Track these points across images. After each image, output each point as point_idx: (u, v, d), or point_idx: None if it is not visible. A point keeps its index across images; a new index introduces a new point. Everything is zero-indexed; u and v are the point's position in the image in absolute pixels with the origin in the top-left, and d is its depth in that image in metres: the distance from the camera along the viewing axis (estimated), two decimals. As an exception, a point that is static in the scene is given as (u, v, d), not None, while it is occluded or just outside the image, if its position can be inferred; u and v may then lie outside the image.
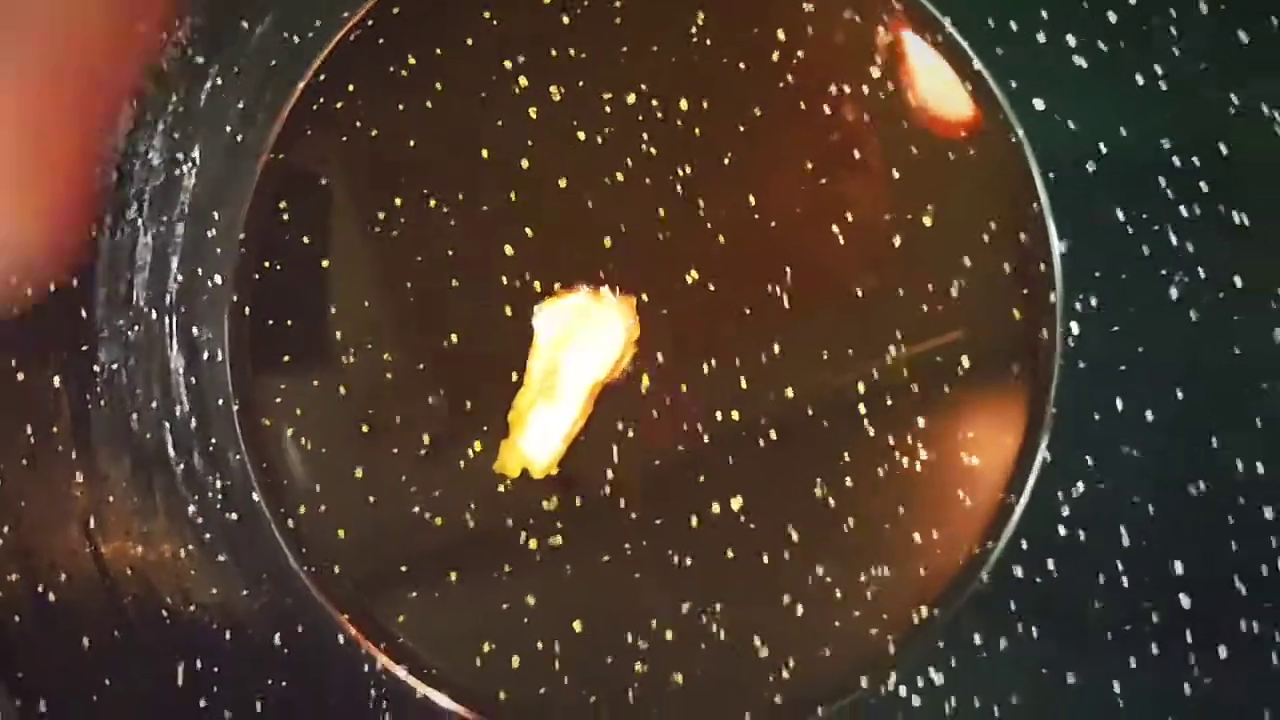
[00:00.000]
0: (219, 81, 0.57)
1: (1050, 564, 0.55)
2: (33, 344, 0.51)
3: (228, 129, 0.58)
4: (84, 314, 0.54)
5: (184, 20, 0.51)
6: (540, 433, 0.57)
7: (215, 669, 0.55)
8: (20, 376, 0.50)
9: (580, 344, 0.56)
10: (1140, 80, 0.54)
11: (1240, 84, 0.53)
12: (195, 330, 0.58)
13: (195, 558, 0.57)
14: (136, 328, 0.57)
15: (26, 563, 0.49)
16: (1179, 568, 0.53)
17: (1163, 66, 0.54)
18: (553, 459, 0.57)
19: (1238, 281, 0.53)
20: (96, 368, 0.55)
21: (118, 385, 0.56)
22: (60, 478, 0.52)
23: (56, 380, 0.52)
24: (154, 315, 0.57)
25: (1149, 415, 0.54)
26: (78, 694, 0.49)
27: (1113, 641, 0.53)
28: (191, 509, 0.57)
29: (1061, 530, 0.55)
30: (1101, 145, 0.55)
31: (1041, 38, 0.56)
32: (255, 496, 0.58)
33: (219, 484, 0.58)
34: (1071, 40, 0.55)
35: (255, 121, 0.58)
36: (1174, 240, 0.54)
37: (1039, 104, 0.56)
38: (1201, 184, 0.54)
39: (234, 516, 0.58)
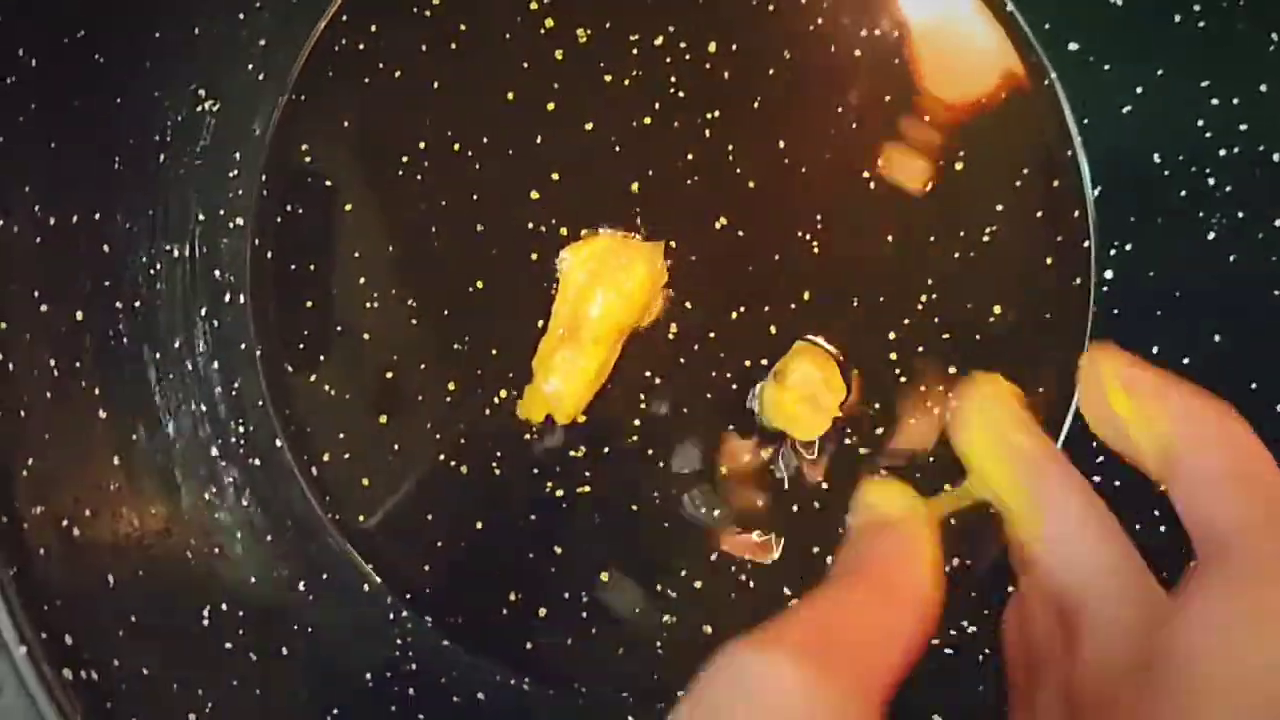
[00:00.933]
0: (241, 16, 0.56)
1: None
2: (54, 275, 0.50)
3: (249, 67, 0.57)
4: (105, 248, 0.53)
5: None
6: (565, 378, 0.56)
7: (240, 613, 0.54)
8: (44, 308, 0.49)
9: (606, 288, 0.55)
10: (1178, 18, 0.54)
11: (1281, 21, 0.51)
12: (217, 273, 0.58)
13: (219, 501, 0.56)
14: (158, 266, 0.56)
15: (51, 497, 0.48)
16: None
17: (1200, 4, 0.53)
18: (578, 405, 0.56)
19: (1278, 222, 0.52)
20: (119, 303, 0.54)
21: (139, 323, 0.55)
22: (84, 413, 0.51)
23: (79, 314, 0.51)
24: (175, 254, 0.57)
25: (1186, 361, 0.54)
26: (102, 630, 0.48)
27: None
28: (215, 451, 0.56)
29: (1096, 479, 0.50)
30: (1138, 87, 0.55)
31: None
32: (278, 442, 0.58)
33: (242, 429, 0.58)
34: None
35: (276, 61, 0.58)
36: (1211, 181, 0.54)
37: (1073, 45, 0.56)
38: (1241, 124, 0.53)
39: (256, 462, 0.58)
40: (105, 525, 0.49)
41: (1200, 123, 0.54)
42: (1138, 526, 0.49)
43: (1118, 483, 0.53)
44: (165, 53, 0.54)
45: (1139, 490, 0.48)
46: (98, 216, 0.52)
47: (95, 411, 0.50)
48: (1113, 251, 0.56)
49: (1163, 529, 0.51)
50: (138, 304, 0.54)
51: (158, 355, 0.55)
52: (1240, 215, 0.53)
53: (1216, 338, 0.54)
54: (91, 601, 0.47)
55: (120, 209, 0.53)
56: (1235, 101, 0.53)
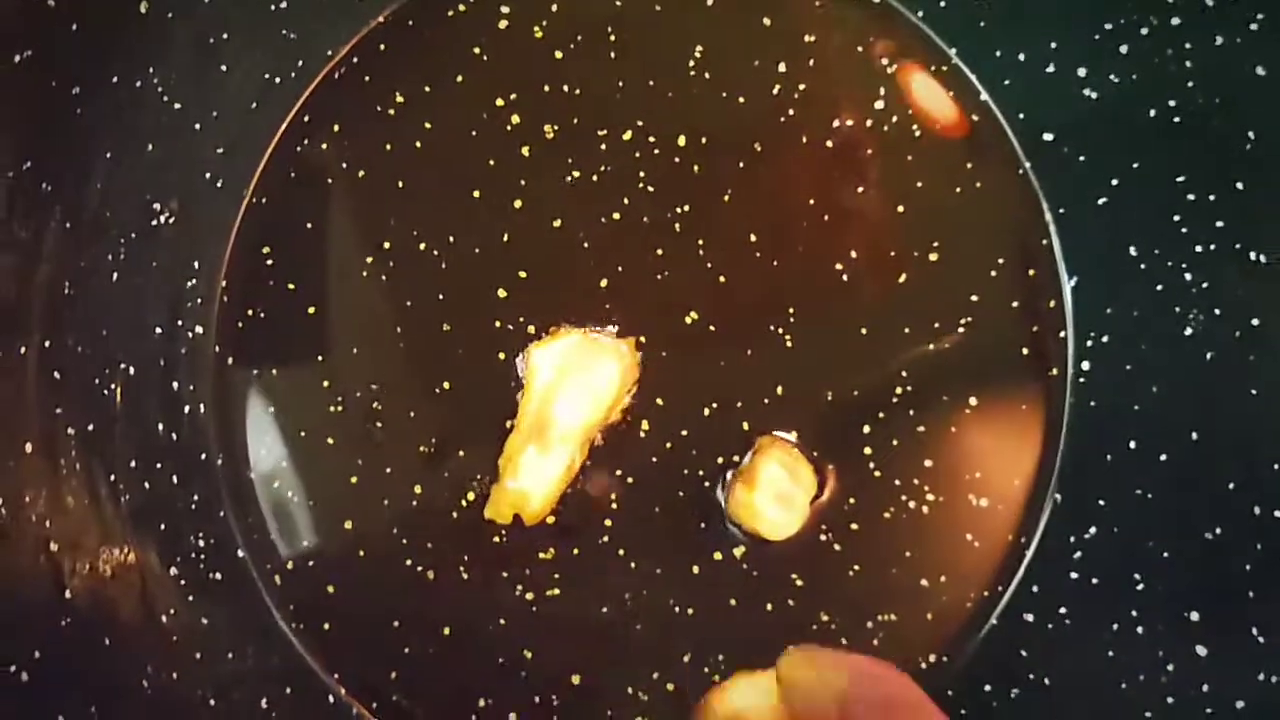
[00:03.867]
0: (196, 126, 0.55)
1: (1063, 610, 0.54)
2: (5, 412, 0.49)
3: (206, 174, 0.56)
4: (56, 375, 0.51)
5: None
6: (533, 478, 0.55)
7: (198, 736, 0.52)
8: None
9: (574, 386, 0.55)
10: (1153, 113, 0.53)
11: (1259, 120, 0.51)
12: (175, 384, 0.56)
13: (177, 622, 0.54)
14: (111, 386, 0.54)
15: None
16: (1195, 616, 0.51)
17: (1177, 99, 0.52)
18: (546, 506, 0.55)
19: (1255, 321, 0.52)
20: (70, 430, 0.52)
21: (93, 445, 0.53)
22: (29, 544, 0.49)
23: (28, 446, 0.49)
24: (130, 371, 0.55)
25: (1163, 456, 0.53)
26: None
27: (1127, 691, 0.52)
28: (174, 571, 0.54)
29: (1074, 575, 0.54)
30: (1113, 179, 0.54)
31: (1051, 69, 0.55)
32: (240, 553, 0.57)
33: (202, 542, 0.56)
34: (1082, 72, 0.54)
35: (235, 165, 0.57)
36: (1189, 277, 0.53)
37: (1048, 136, 0.56)
38: (1218, 221, 0.52)
39: (218, 576, 0.56)
40: (53, 661, 0.47)
41: (1176, 217, 0.53)
42: (1115, 626, 0.51)
43: (1095, 580, 0.53)
44: (116, 169, 0.52)
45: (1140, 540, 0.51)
46: (48, 345, 0.50)
47: (45, 546, 0.48)
48: (1089, 343, 0.56)
49: (1176, 576, 0.51)
50: (90, 427, 0.52)
51: (110, 476, 0.53)
52: (1217, 312, 0.53)
53: (1194, 435, 0.53)
54: None
55: (71, 333, 0.51)
56: (1211, 198, 0.52)
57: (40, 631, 0.47)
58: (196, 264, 0.56)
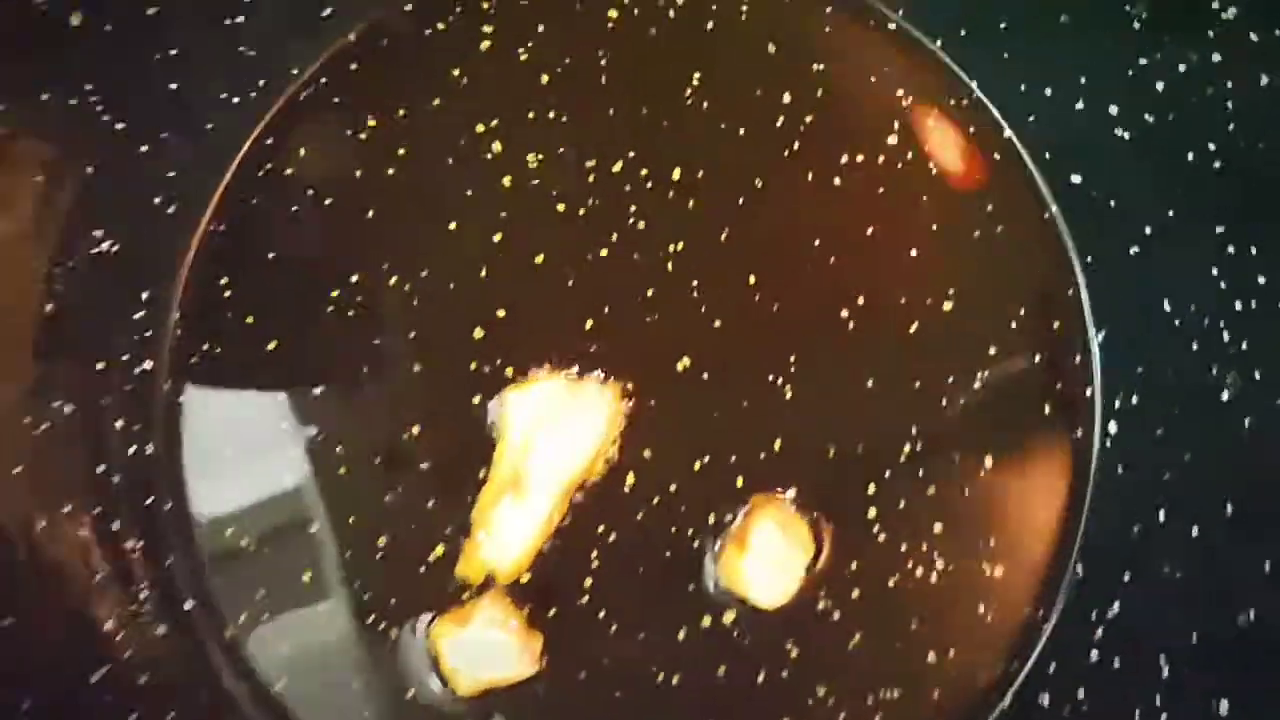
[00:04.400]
0: (143, 148, 0.53)
1: (1080, 693, 0.52)
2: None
3: (155, 199, 0.54)
4: None
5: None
6: (507, 534, 0.53)
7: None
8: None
9: (554, 435, 0.52)
10: (1191, 156, 0.50)
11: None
12: (120, 424, 0.54)
13: (113, 677, 0.51)
14: (48, 424, 0.51)
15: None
16: (1224, 707, 0.48)
17: (1216, 141, 0.50)
18: (522, 563, 0.53)
19: (1299, 386, 0.48)
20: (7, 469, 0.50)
21: (24, 490, 0.51)
22: None
23: None
24: (67, 410, 0.52)
25: (1195, 530, 0.51)
26: None
27: None
28: (110, 625, 0.52)
29: (1094, 655, 0.52)
30: (1146, 226, 0.52)
31: (1080, 105, 0.53)
32: (187, 606, 0.54)
33: (143, 594, 0.53)
34: (1114, 110, 0.52)
35: (189, 190, 0.54)
36: (1227, 336, 0.50)
37: (1076, 178, 0.54)
38: (1260, 276, 0.49)
39: (161, 631, 0.53)
40: None
41: (1214, 270, 0.51)
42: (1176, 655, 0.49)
43: (1117, 662, 0.52)
44: (50, 195, 0.50)
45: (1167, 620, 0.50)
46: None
47: None
48: (1117, 404, 0.54)
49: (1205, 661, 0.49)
50: (16, 470, 0.50)
51: (42, 523, 0.50)
52: (1257, 375, 0.50)
53: (1229, 508, 0.50)
54: None
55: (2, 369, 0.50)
56: (1253, 250, 0.50)
57: None
58: (145, 295, 0.54)
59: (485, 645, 0.52)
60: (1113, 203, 0.53)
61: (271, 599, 0.54)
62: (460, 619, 0.52)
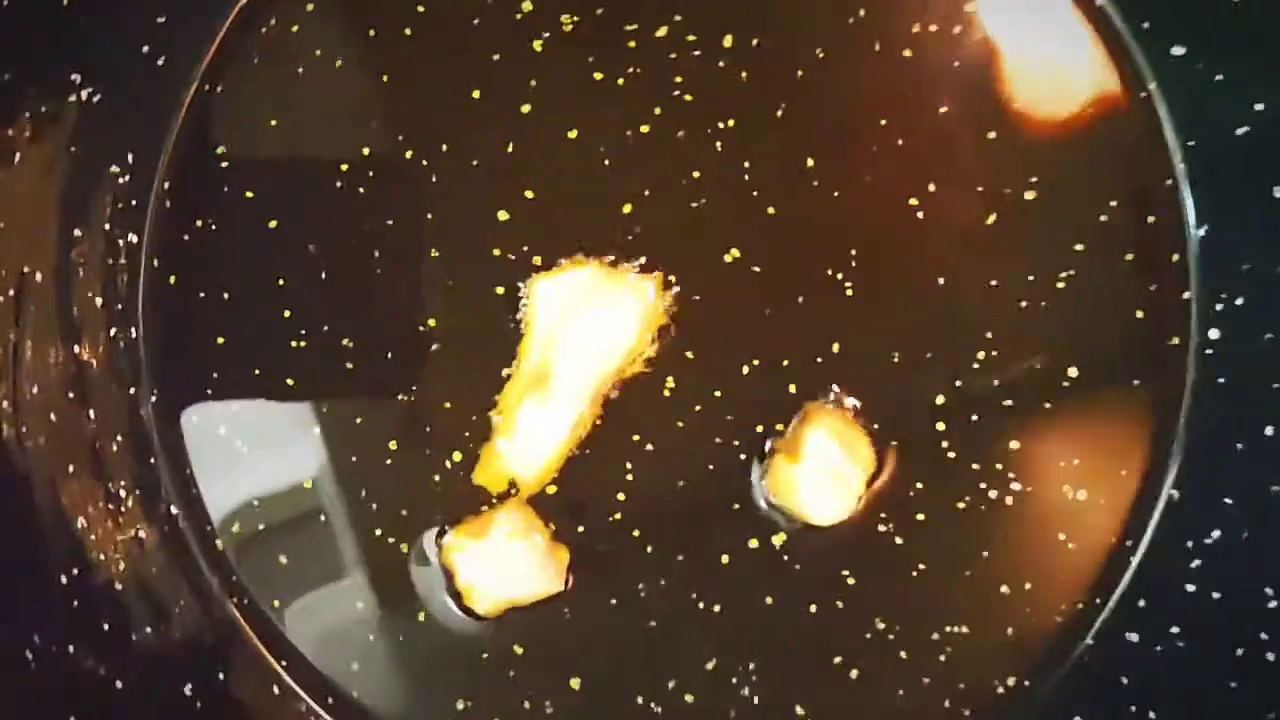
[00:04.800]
0: None
1: (1175, 629, 0.49)
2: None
3: (144, 48, 0.51)
4: None
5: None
6: (532, 438, 0.51)
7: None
8: None
9: (585, 329, 0.50)
10: None
11: None
12: (99, 301, 0.51)
13: (86, 588, 0.49)
14: (10, 292, 0.49)
15: None
16: None
17: None
18: (547, 473, 0.51)
19: None
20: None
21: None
22: None
23: None
24: (38, 278, 0.49)
25: None
26: None
27: None
28: (80, 524, 0.50)
29: (1190, 587, 0.49)
30: (1257, 103, 0.49)
31: None
32: (173, 509, 0.52)
33: (123, 493, 0.51)
34: None
35: (181, 39, 0.52)
36: None
37: (1178, 50, 0.50)
38: None
39: (141, 535, 0.51)
40: None
41: None
42: (1239, 651, 0.47)
43: (1216, 594, 0.49)
44: (18, 24, 0.47)
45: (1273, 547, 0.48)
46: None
47: None
48: (1220, 306, 0.51)
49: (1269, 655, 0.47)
50: None
51: (5, 404, 0.48)
52: None
53: None
54: None
55: None
56: None
57: None
58: (130, 157, 0.51)
59: (505, 559, 0.50)
60: (1219, 76, 0.49)
61: (266, 507, 0.52)
62: (477, 530, 0.50)
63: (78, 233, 0.51)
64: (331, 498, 0.52)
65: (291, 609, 0.52)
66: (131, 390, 0.52)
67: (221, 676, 0.51)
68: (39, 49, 0.48)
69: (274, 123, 0.52)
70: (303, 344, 0.52)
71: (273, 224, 0.52)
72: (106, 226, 0.51)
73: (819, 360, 0.51)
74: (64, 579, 0.48)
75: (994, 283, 0.50)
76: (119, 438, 0.52)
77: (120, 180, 0.52)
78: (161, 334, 0.52)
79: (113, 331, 0.52)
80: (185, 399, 0.52)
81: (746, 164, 0.51)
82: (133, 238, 0.52)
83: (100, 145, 0.51)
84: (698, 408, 0.51)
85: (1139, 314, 0.51)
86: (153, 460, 0.52)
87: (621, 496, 0.51)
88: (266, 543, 0.52)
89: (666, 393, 0.51)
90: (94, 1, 0.49)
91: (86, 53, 0.49)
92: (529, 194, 0.51)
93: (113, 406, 0.52)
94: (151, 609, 0.51)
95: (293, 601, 0.52)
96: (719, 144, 0.51)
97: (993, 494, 0.50)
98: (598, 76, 0.52)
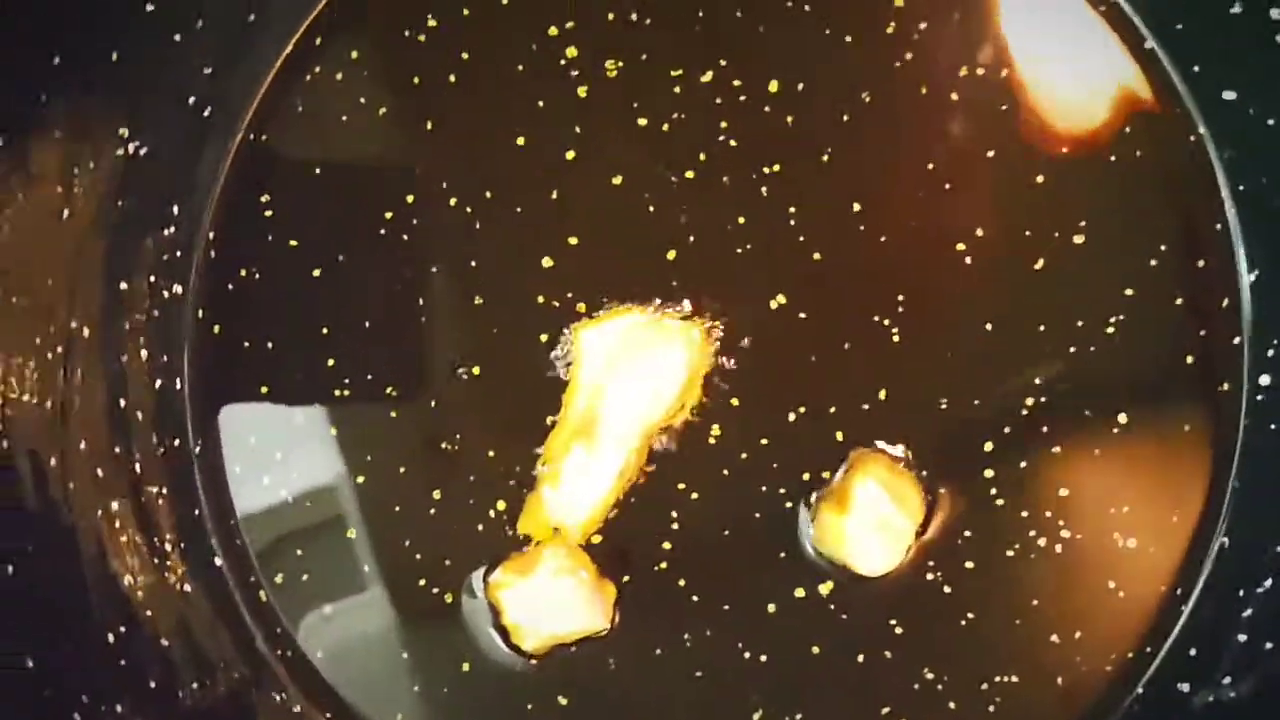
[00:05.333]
0: (175, 38, 0.50)
1: (1226, 680, 0.48)
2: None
3: (190, 100, 0.51)
4: None
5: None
6: (577, 488, 0.50)
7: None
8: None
9: (631, 376, 0.50)
10: None
11: None
12: (145, 353, 0.51)
13: (133, 644, 0.48)
14: (59, 349, 0.49)
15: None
16: None
17: None
18: (593, 522, 0.50)
19: None
20: (7, 410, 0.47)
21: (36, 420, 0.48)
22: None
23: None
24: (86, 334, 0.49)
25: None
26: None
27: None
28: (129, 580, 0.49)
29: (1241, 637, 0.49)
30: None
31: (1236, 8, 0.48)
32: (218, 561, 0.52)
33: (168, 548, 0.51)
34: (1276, 14, 0.47)
35: (228, 91, 0.52)
36: None
37: (1229, 95, 0.50)
38: None
39: (187, 589, 0.51)
40: None
41: None
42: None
43: (1269, 645, 0.48)
44: (69, 82, 0.47)
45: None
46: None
47: None
48: (1271, 352, 0.50)
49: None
50: (28, 398, 0.47)
51: (53, 462, 0.48)
52: None
53: None
54: None
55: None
56: None
57: None
58: (175, 209, 0.51)
59: (551, 596, 0.50)
60: (1271, 121, 0.49)
61: (310, 558, 0.52)
62: (523, 568, 0.50)
63: (124, 286, 0.51)
64: (374, 548, 0.52)
65: (335, 659, 0.52)
66: (176, 441, 0.52)
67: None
68: (89, 105, 0.48)
69: (318, 171, 0.52)
70: (346, 393, 0.52)
71: (317, 272, 0.52)
72: (152, 278, 0.51)
73: (866, 407, 0.50)
74: (111, 637, 0.47)
75: (1042, 328, 0.50)
76: (164, 490, 0.51)
77: (165, 232, 0.52)
78: (207, 385, 0.52)
79: (158, 383, 0.51)
80: (230, 447, 0.52)
81: (792, 209, 0.51)
82: (178, 289, 0.52)
83: (147, 198, 0.51)
84: (744, 455, 0.50)
85: (1189, 359, 0.50)
86: (198, 512, 0.52)
87: (667, 545, 0.51)
88: (310, 593, 0.52)
89: (712, 440, 0.51)
90: (142, 55, 0.49)
91: (134, 106, 0.49)
92: (573, 240, 0.51)
93: (158, 458, 0.51)
94: (197, 664, 0.50)
95: (337, 651, 0.52)
96: (764, 189, 0.51)
97: (1042, 542, 0.50)
98: (642, 122, 0.52)
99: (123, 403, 0.51)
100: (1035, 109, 0.51)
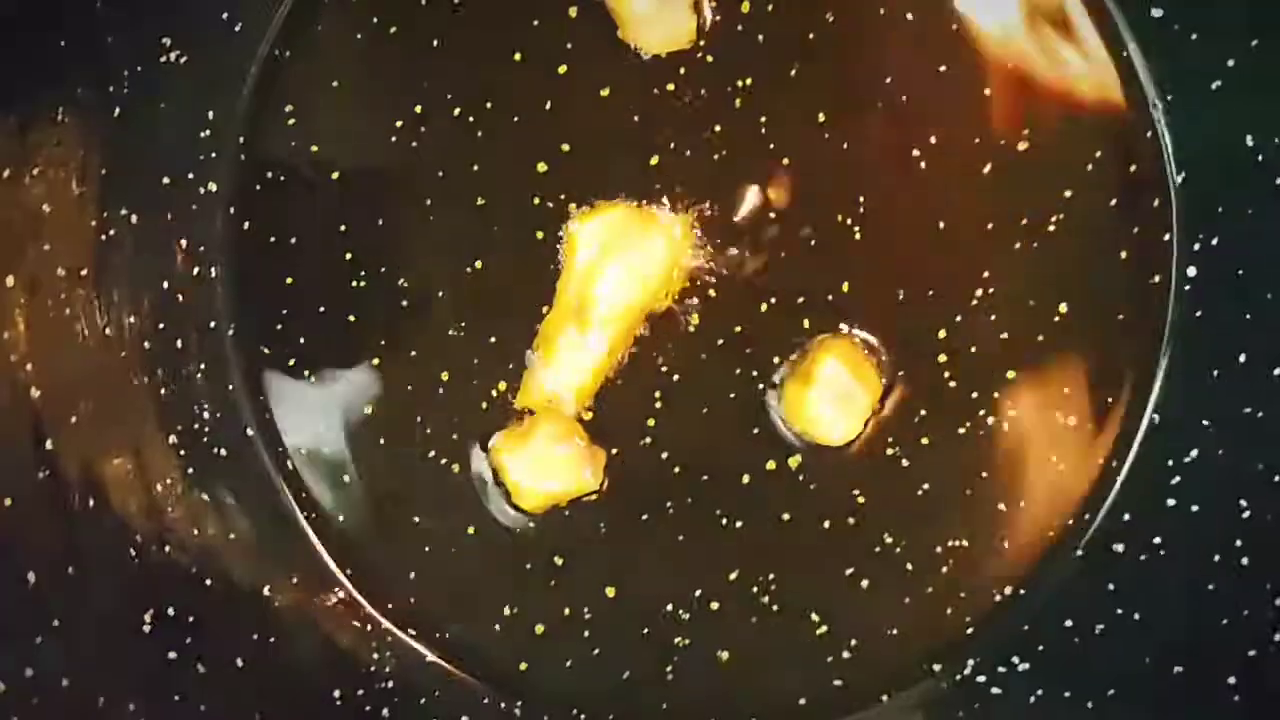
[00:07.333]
0: None
1: (1157, 540, 0.51)
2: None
3: (223, 15, 0.53)
4: (45, 208, 0.49)
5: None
6: (570, 365, 0.52)
7: (190, 618, 0.50)
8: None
9: (619, 263, 0.52)
10: None
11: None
12: (184, 242, 0.54)
13: (172, 494, 0.52)
14: (111, 231, 0.51)
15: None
16: None
17: None
18: (584, 394, 0.53)
19: (1390, 218, 0.46)
20: (60, 270, 0.49)
21: (83, 288, 0.50)
22: (4, 385, 0.46)
23: (10, 279, 0.47)
24: (134, 219, 0.52)
25: (1277, 371, 0.49)
26: (22, 637, 0.44)
27: (1228, 630, 0.48)
28: (173, 439, 0.52)
29: (1171, 501, 0.51)
30: (1229, 59, 0.50)
31: None
32: (249, 431, 0.54)
33: (206, 415, 0.54)
34: None
35: (254, 8, 0.53)
36: None
37: (1156, 11, 0.51)
38: None
39: (222, 452, 0.54)
40: (29, 518, 0.45)
41: None
42: (1216, 558, 0.47)
43: (1195, 508, 0.51)
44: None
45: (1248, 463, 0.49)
46: (35, 172, 0.47)
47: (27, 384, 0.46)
48: (1197, 246, 0.52)
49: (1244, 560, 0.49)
50: (84, 272, 0.50)
51: (106, 330, 0.51)
52: None
53: None
54: (10, 603, 0.43)
55: (64, 166, 0.49)
56: None
57: (12, 478, 0.44)
58: (210, 114, 0.53)
59: (548, 458, 0.52)
60: (1195, 35, 0.51)
61: (331, 431, 0.54)
62: (522, 435, 0.52)
63: (165, 180, 0.52)
64: (389, 423, 0.53)
65: (354, 523, 0.54)
66: (212, 324, 0.54)
67: (295, 581, 0.54)
68: (139, 13, 0.50)
69: (335, 84, 0.53)
70: (363, 284, 0.53)
71: (335, 175, 0.53)
72: (190, 176, 0.53)
73: (830, 298, 0.52)
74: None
75: (990, 226, 0.51)
76: (201, 365, 0.54)
77: (201, 134, 0.53)
78: (237, 272, 0.54)
79: (195, 270, 0.53)
80: (259, 329, 0.54)
81: (763, 119, 0.52)
82: (213, 186, 0.54)
83: (186, 102, 0.52)
84: (720, 341, 0.52)
85: (1123, 254, 0.52)
86: (230, 387, 0.54)
87: (651, 422, 0.52)
88: (332, 463, 0.54)
89: (691, 328, 0.52)
90: None
91: (176, 18, 0.51)
92: (565, 147, 0.52)
93: (195, 337, 0.54)
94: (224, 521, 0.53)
95: (355, 516, 0.54)
96: (737, 101, 0.52)
97: (990, 420, 0.52)
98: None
99: (165, 284, 0.53)
100: (981, 31, 0.52)
